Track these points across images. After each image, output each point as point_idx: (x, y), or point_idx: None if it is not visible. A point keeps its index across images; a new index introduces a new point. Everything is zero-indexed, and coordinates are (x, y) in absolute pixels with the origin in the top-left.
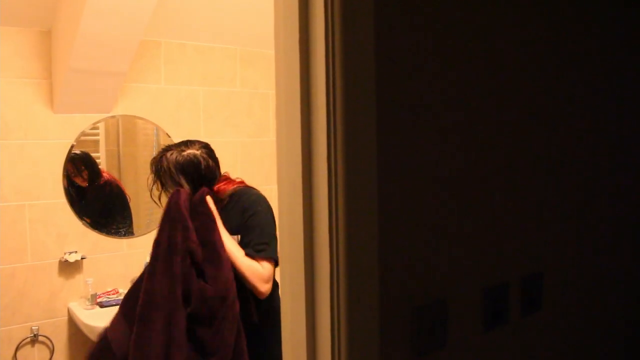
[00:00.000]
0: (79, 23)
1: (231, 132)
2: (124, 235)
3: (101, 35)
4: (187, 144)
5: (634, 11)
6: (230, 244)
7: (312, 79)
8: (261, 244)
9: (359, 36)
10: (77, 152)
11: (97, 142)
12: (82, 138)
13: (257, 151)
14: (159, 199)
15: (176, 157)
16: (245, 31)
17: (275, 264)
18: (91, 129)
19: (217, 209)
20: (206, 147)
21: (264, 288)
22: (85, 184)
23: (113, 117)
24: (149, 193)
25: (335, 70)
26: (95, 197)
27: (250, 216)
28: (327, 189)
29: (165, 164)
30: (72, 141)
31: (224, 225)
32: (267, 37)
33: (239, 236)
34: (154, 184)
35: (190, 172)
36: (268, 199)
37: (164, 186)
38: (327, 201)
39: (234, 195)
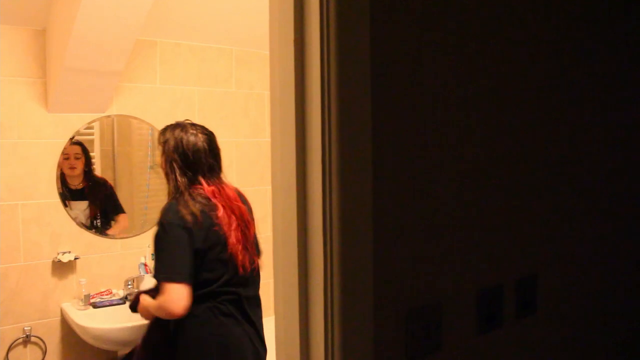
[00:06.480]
0: (74, 22)
1: (226, 133)
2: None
3: (96, 35)
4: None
5: (636, 10)
6: (144, 302)
7: (307, 79)
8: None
9: (355, 36)
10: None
11: (91, 142)
12: (77, 138)
13: (253, 152)
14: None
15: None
16: (240, 31)
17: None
18: (86, 128)
19: None
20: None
21: (174, 310)
22: (74, 173)
23: (108, 116)
24: (143, 194)
25: (330, 70)
26: (94, 196)
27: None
28: (321, 192)
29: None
30: (66, 141)
31: None
32: (263, 38)
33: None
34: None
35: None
36: (262, 200)
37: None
38: (321, 204)
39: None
